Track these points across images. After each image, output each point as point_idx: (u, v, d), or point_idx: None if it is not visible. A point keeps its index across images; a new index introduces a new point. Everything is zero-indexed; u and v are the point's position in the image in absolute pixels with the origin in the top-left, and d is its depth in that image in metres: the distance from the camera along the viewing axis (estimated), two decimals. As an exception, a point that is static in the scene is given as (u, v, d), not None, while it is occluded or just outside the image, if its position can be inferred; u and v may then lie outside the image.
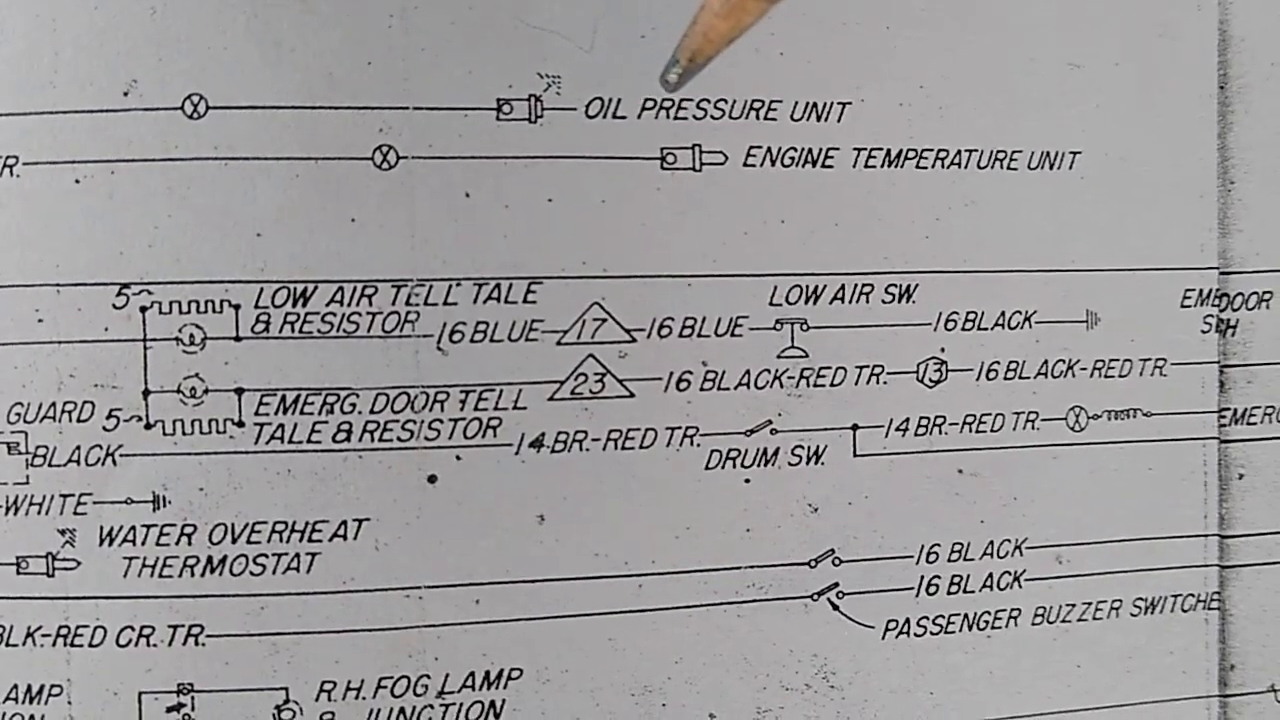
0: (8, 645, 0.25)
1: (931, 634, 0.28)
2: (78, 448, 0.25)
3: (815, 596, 0.28)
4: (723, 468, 0.27)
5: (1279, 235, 0.30)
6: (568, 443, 0.26)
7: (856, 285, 0.28)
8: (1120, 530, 0.29)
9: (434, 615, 0.26)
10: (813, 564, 0.28)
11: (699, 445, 0.27)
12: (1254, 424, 0.30)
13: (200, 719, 0.25)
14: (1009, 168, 0.28)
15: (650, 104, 0.27)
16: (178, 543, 0.25)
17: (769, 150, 0.27)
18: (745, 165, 0.27)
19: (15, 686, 0.25)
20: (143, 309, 0.25)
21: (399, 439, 0.26)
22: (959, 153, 0.28)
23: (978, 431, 0.28)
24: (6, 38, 0.25)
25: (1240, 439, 0.30)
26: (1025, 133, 0.28)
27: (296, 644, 0.26)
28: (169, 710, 0.25)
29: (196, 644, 0.25)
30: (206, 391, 0.25)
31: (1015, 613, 0.29)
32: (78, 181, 0.25)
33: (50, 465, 0.25)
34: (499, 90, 0.26)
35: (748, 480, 0.27)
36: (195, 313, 0.25)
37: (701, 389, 0.27)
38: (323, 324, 0.26)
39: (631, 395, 0.27)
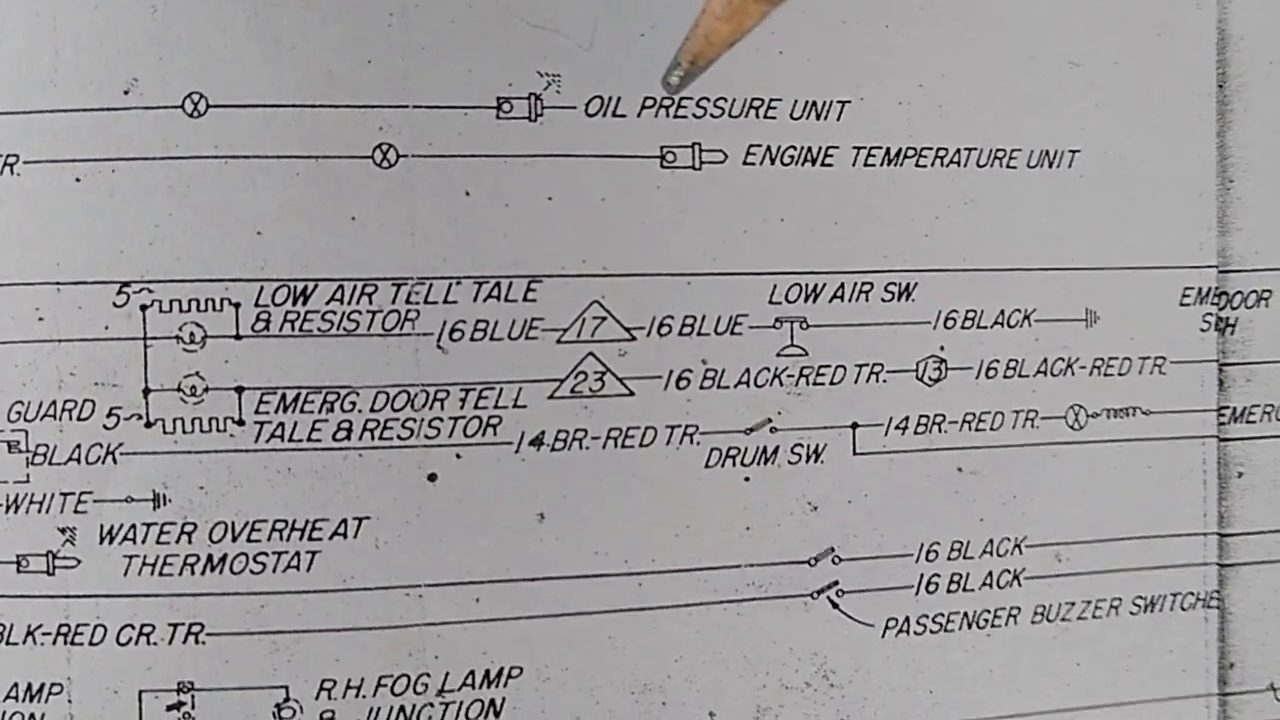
0: (8, 644, 0.25)
1: (931, 632, 0.28)
2: (78, 446, 0.25)
3: (815, 595, 0.28)
4: (722, 466, 0.27)
5: (1278, 234, 0.30)
6: (568, 441, 0.26)
7: (856, 284, 0.28)
8: (1120, 529, 0.29)
9: (434, 614, 0.26)
10: (812, 562, 0.28)
11: (699, 444, 0.27)
12: (1253, 422, 0.30)
13: (200, 717, 0.25)
14: (1008, 166, 0.28)
15: (650, 102, 0.27)
16: (178, 541, 0.25)
17: (768, 149, 0.27)
18: (745, 164, 0.27)
19: (15, 685, 0.25)
20: (143, 307, 0.25)
21: (399, 437, 0.26)
22: (958, 151, 0.28)
23: (977, 430, 0.28)
24: (7, 36, 0.25)
25: (1239, 437, 0.30)
26: (1024, 131, 0.28)
27: (297, 642, 0.26)
28: (169, 709, 0.25)
29: (197, 642, 0.25)
30: (207, 390, 0.25)
31: (1015, 611, 0.29)
32: (78, 180, 0.25)
33: (50, 464, 0.25)
34: (499, 89, 0.26)
35: (747, 479, 0.27)
36: (195, 311, 0.25)
37: (701, 387, 0.27)
38: (323, 322, 0.26)
39: (631, 394, 0.27)
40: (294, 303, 0.25)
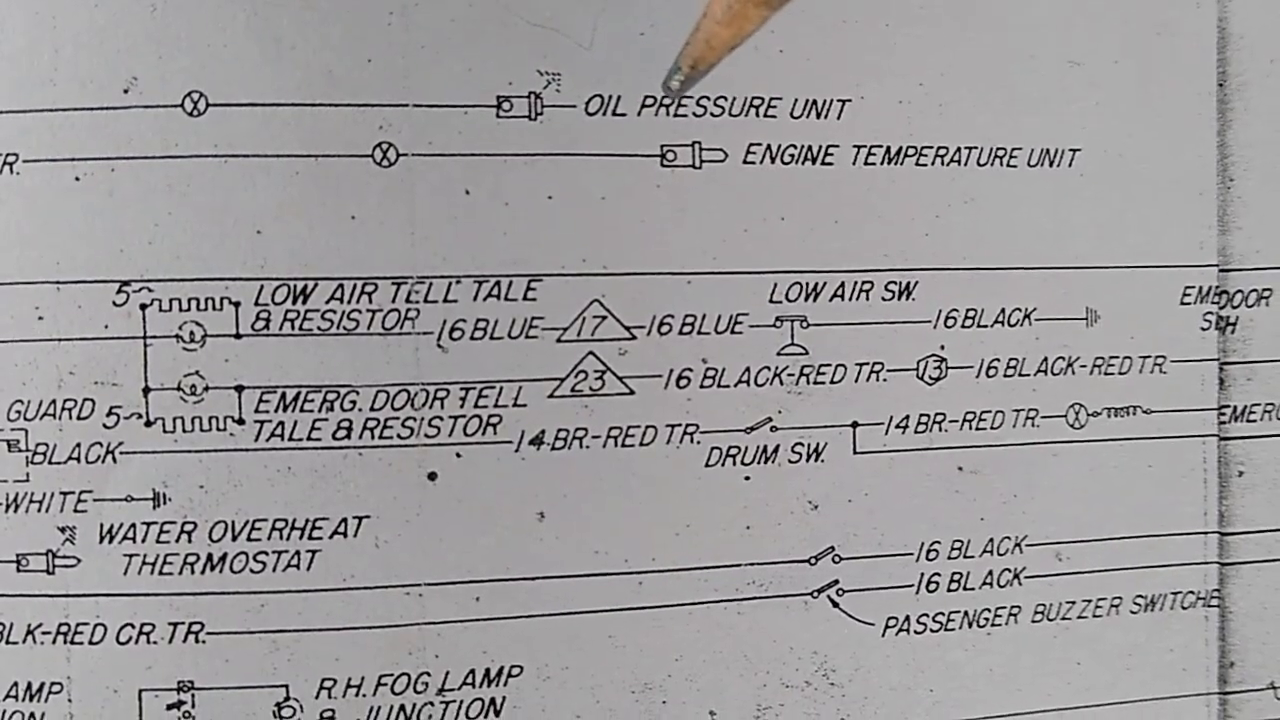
0: (8, 643, 0.25)
1: (931, 631, 0.28)
2: (78, 445, 0.25)
3: (815, 594, 0.28)
4: (723, 465, 0.27)
5: (1278, 232, 0.30)
6: (568, 440, 0.26)
7: (856, 282, 0.28)
8: (1120, 528, 0.29)
9: (434, 612, 0.26)
10: (813, 561, 0.28)
11: (699, 443, 0.27)
12: (1254, 421, 0.30)
13: (200, 716, 0.25)
14: (1009, 165, 0.28)
15: (650, 101, 0.27)
16: (178, 540, 0.25)
17: (769, 147, 0.27)
18: (745, 162, 0.27)
19: (15, 684, 0.25)
20: (143, 306, 0.25)
21: (399, 436, 0.26)
22: (959, 150, 0.28)
23: (977, 429, 0.28)
24: (6, 35, 0.25)
25: (1240, 436, 0.30)
26: (1025, 130, 0.28)
27: (297, 641, 0.26)
28: (169, 708, 0.25)
29: (197, 641, 0.25)
30: (207, 389, 0.25)
31: (1015, 610, 0.29)
32: (78, 179, 0.25)
33: (50, 463, 0.25)
34: (499, 87, 0.26)
35: (748, 478, 0.27)
36: (195, 310, 0.25)
37: (701, 386, 0.27)
38: (323, 321, 0.26)
39: (631, 392, 0.27)
40: (294, 302, 0.25)
